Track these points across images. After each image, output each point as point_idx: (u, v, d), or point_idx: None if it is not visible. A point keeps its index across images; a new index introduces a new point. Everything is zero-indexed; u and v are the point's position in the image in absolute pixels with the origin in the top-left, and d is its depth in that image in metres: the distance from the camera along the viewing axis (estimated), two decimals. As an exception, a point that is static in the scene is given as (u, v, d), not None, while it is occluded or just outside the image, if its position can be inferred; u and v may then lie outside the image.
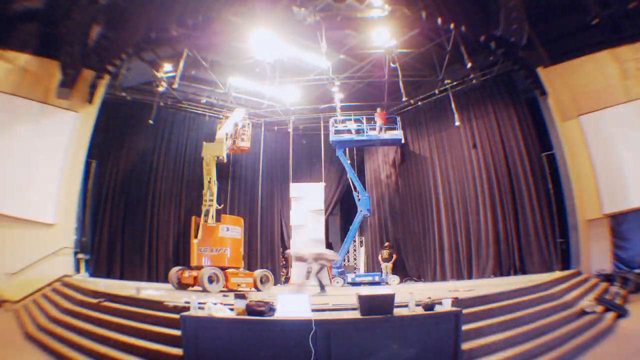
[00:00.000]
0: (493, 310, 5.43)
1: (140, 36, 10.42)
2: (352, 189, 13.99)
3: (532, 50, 10.05)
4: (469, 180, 12.40)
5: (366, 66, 13.14)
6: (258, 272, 9.27)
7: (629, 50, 9.32)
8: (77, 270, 9.96)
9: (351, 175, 13.84)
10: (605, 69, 9.54)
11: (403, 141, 13.74)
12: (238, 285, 8.65)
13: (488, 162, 11.94)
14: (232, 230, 9.12)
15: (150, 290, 7.15)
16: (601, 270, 8.89)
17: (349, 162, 14.28)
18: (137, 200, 12.76)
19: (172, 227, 13.15)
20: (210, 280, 8.10)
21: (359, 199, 13.37)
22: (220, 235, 8.89)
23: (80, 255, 10.09)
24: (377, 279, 12.23)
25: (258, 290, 8.89)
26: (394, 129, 13.59)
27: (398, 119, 13.76)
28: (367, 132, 13.54)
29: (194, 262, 8.76)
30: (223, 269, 8.50)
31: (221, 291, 8.09)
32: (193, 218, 9.45)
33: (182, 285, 8.57)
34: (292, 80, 13.61)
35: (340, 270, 12.45)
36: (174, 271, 8.87)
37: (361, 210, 13.10)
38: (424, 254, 13.47)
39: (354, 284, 12.12)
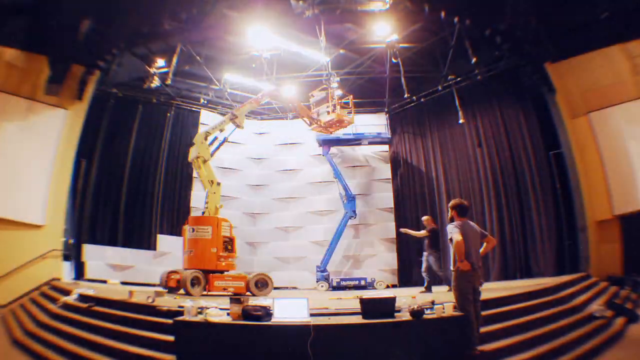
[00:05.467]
0: (498, 315, 5.31)
1: (132, 30, 10.14)
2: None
3: (539, 45, 9.77)
4: (474, 179, 12.03)
5: (367, 61, 12.81)
6: (252, 276, 8.96)
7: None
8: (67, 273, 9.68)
9: (337, 175, 13.36)
10: (615, 65, 9.27)
11: (390, 137, 13.54)
12: (224, 289, 8.44)
13: (493, 161, 11.56)
14: (198, 231, 8.77)
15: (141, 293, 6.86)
16: (611, 274, 8.63)
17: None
18: (129, 200, 12.41)
19: (167, 227, 12.81)
20: (193, 284, 8.01)
21: (345, 201, 12.99)
22: (189, 237, 8.78)
23: (70, 258, 9.83)
24: (363, 282, 11.88)
25: (253, 295, 8.57)
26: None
27: (386, 117, 13.37)
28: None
29: (184, 265, 8.78)
30: (205, 271, 8.38)
31: (203, 295, 7.97)
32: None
33: (168, 288, 8.39)
34: (290, 75, 13.27)
35: (324, 274, 12.07)
36: (165, 273, 8.81)
37: (347, 212, 12.81)
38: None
39: (338, 288, 11.76)
